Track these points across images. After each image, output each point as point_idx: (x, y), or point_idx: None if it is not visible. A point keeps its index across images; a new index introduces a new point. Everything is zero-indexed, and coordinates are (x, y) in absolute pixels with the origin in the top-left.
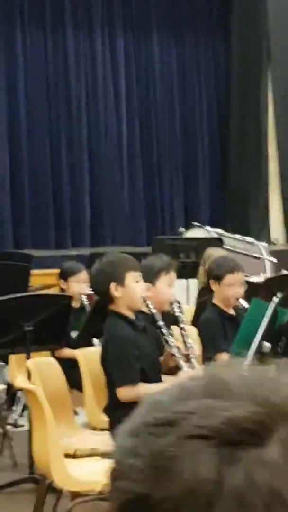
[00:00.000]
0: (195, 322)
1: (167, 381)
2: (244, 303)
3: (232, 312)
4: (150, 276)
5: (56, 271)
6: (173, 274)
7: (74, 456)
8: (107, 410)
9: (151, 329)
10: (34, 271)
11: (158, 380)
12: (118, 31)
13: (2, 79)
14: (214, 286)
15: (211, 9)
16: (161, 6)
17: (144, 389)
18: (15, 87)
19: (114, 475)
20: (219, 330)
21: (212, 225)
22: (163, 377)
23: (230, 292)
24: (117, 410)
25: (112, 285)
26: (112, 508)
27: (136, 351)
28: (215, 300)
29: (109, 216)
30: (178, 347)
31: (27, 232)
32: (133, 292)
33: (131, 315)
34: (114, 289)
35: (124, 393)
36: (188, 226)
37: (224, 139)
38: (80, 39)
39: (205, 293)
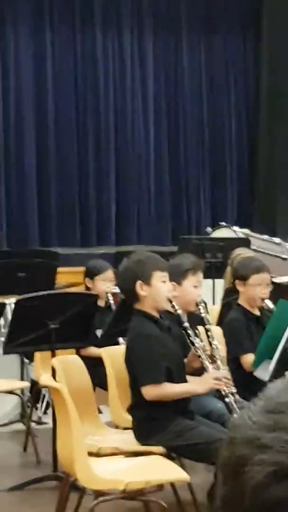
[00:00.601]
0: (220, 323)
1: (192, 382)
2: (270, 304)
3: (257, 313)
4: (177, 276)
5: (82, 269)
6: (200, 275)
7: (97, 454)
8: (130, 410)
9: (175, 329)
10: (59, 269)
11: (183, 380)
12: (147, 32)
13: (31, 80)
14: (240, 287)
15: (242, 10)
16: (191, 8)
17: (169, 388)
18: (43, 88)
19: (252, 450)
20: (244, 331)
21: (239, 226)
22: (188, 377)
23: (256, 293)
24: (141, 410)
25: (138, 284)
26: (256, 481)
27: (162, 349)
28: (240, 301)
29: (135, 215)
30: (203, 348)
31: (53, 230)
32: (158, 291)
33: (156, 315)
34: (140, 288)
35: (149, 391)
36: (214, 226)
37: (253, 140)
38: (108, 40)
39: (231, 293)
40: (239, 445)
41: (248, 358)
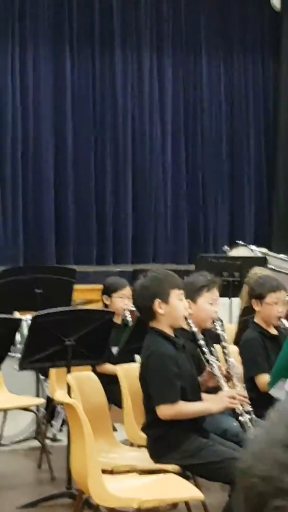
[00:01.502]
0: (237, 341)
1: (207, 401)
2: (286, 323)
3: (274, 331)
4: (191, 293)
5: (99, 286)
6: (215, 292)
7: (112, 472)
8: (145, 428)
9: (190, 347)
10: (76, 286)
11: (197, 398)
12: (166, 51)
13: (50, 97)
14: (256, 305)
15: (261, 28)
16: (211, 25)
17: (184, 408)
18: (62, 106)
19: (273, 491)
20: (260, 350)
21: (257, 245)
22: (203, 395)
23: (272, 312)
24: (155, 428)
25: (156, 302)
26: None
27: (177, 369)
28: (257, 320)
29: (151, 233)
30: (219, 366)
31: (70, 248)
32: (176, 310)
33: (171, 333)
34: (158, 306)
35: (164, 411)
36: (232, 245)
37: (271, 158)
38: (128, 59)
39: (248, 312)
40: (260, 481)
41: (264, 379)
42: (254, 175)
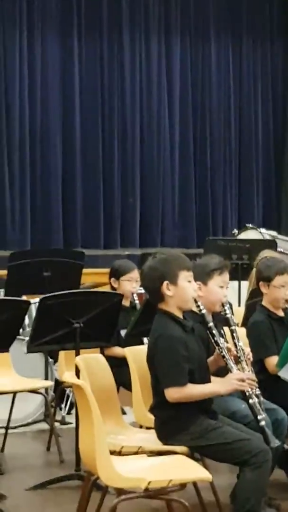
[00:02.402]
0: (244, 324)
1: (215, 383)
2: None
3: (281, 314)
4: (202, 276)
5: (107, 270)
6: (226, 275)
7: (120, 453)
8: (153, 410)
9: (199, 329)
10: (85, 270)
11: (206, 381)
12: (175, 35)
13: (58, 83)
14: (263, 288)
15: (271, 12)
16: (220, 10)
17: (192, 390)
18: (70, 91)
19: None
20: (268, 332)
21: (266, 228)
22: (212, 378)
23: (280, 294)
24: (163, 410)
25: (164, 284)
26: None
27: (185, 352)
28: (264, 302)
29: (159, 217)
30: (228, 349)
31: (77, 233)
32: (184, 291)
33: (179, 315)
34: (166, 288)
35: (172, 394)
36: (240, 228)
37: (280, 142)
38: (136, 43)
39: (255, 295)
40: None
41: (273, 361)
42: (262, 160)
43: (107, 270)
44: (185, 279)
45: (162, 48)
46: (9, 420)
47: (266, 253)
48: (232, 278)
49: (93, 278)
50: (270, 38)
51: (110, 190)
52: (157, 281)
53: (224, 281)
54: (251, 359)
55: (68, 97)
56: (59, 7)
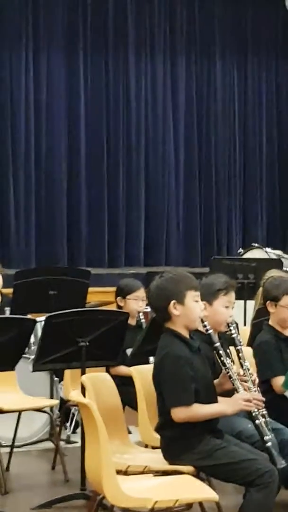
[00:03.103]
0: (250, 343)
1: (221, 403)
2: None
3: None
4: (208, 296)
5: (113, 289)
6: (232, 295)
7: (126, 472)
8: (159, 429)
9: (205, 349)
10: (90, 289)
11: (212, 401)
12: (180, 54)
13: (64, 100)
14: (270, 308)
15: (275, 31)
16: (225, 29)
17: (198, 410)
18: (76, 109)
19: None
20: (275, 352)
21: (272, 247)
22: (219, 398)
23: (287, 314)
24: (169, 429)
25: (172, 303)
26: None
27: (192, 371)
28: (271, 322)
29: (164, 236)
30: (234, 369)
31: (82, 251)
32: (192, 311)
33: (186, 335)
34: (173, 307)
35: (178, 414)
36: (246, 247)
37: (285, 161)
38: (141, 61)
39: (261, 314)
40: None
41: (279, 381)
42: (266, 178)
43: (112, 288)
44: (192, 298)
45: (167, 67)
46: (14, 439)
47: (273, 272)
48: (238, 297)
49: (98, 296)
50: (275, 57)
51: (115, 208)
52: (164, 300)
53: (230, 301)
54: (256, 379)
55: (73, 116)
56: (65, 27)
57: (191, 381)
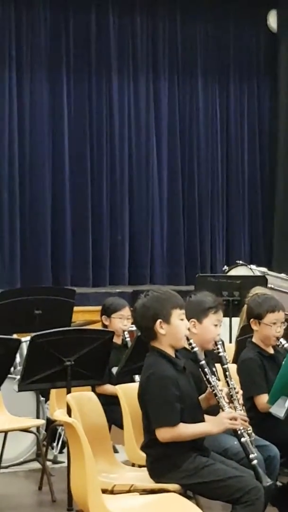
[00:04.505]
0: (235, 361)
1: (207, 422)
2: (284, 342)
3: (271, 351)
4: (197, 314)
5: (97, 308)
6: (220, 314)
7: (112, 491)
8: (145, 447)
9: (190, 366)
10: (76, 308)
11: (197, 420)
12: (163, 74)
13: (47, 122)
14: (254, 325)
15: (258, 50)
16: (207, 48)
17: (184, 430)
18: (59, 130)
19: None
20: (258, 370)
21: (255, 264)
22: (205, 417)
23: (271, 331)
24: (155, 448)
25: (158, 322)
26: None
27: (177, 391)
28: (255, 339)
29: (148, 255)
30: (220, 387)
31: (66, 271)
32: (177, 330)
33: (172, 353)
34: (159, 326)
35: (163, 434)
36: (229, 265)
37: (269, 179)
38: (124, 82)
39: (245, 331)
40: None
41: (263, 399)
42: (249, 197)
43: (98, 308)
44: (178, 317)
45: (150, 89)
46: (0, 460)
47: (258, 289)
48: (223, 314)
49: (84, 316)
50: (256, 77)
51: (99, 228)
52: (150, 319)
53: (219, 320)
54: (241, 398)
55: (57, 137)
56: (48, 48)
57: (176, 401)
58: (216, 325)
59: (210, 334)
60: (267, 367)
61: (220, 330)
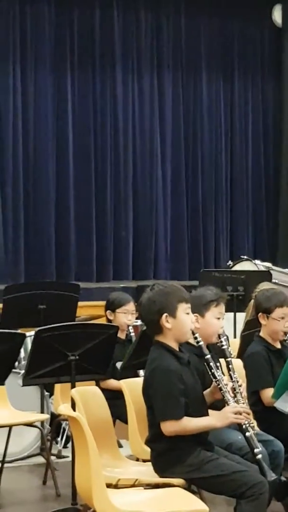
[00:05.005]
0: (240, 355)
1: (211, 416)
2: None
3: (278, 345)
4: (199, 308)
5: (102, 303)
6: (222, 306)
7: (116, 486)
8: (149, 442)
9: (194, 362)
10: (80, 303)
11: (201, 414)
12: (167, 71)
13: (51, 118)
14: (262, 319)
15: (262, 46)
16: (211, 45)
17: (188, 424)
18: (63, 126)
19: None
20: (265, 365)
21: (260, 259)
22: (209, 411)
23: (279, 326)
24: (159, 442)
25: (164, 316)
26: None
27: (181, 385)
28: (262, 334)
29: (151, 250)
30: (225, 381)
31: (70, 266)
32: (183, 324)
33: (176, 347)
34: (165, 320)
35: (168, 427)
36: (233, 260)
37: (273, 175)
38: (128, 79)
39: (251, 325)
40: None
41: (268, 393)
42: (253, 192)
43: (102, 302)
44: (184, 311)
45: (154, 84)
46: (5, 454)
47: (265, 285)
48: (227, 309)
49: (88, 311)
50: (261, 74)
51: (103, 223)
52: (156, 313)
53: (221, 312)
54: (244, 392)
55: (61, 133)
56: (52, 44)
57: (181, 395)
58: (218, 318)
59: (213, 327)
60: (274, 362)
61: (223, 322)
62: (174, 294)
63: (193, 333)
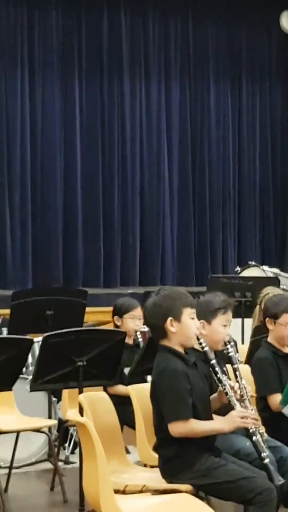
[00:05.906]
0: (248, 361)
1: (218, 420)
2: None
3: (286, 351)
4: (206, 314)
5: (109, 308)
6: (230, 314)
7: (124, 492)
8: (157, 448)
9: (201, 366)
10: (87, 309)
11: (208, 417)
12: (174, 77)
13: (59, 124)
14: (269, 325)
15: (270, 58)
16: (219, 51)
17: (196, 426)
18: (71, 132)
19: None
20: (273, 370)
21: (268, 265)
22: (214, 416)
23: (286, 331)
24: (167, 448)
25: (168, 320)
26: None
27: (188, 385)
28: (270, 339)
29: (158, 256)
30: (231, 387)
31: (78, 271)
32: (188, 328)
33: (181, 351)
34: (170, 324)
35: (176, 428)
36: (242, 266)
37: (281, 181)
38: (136, 85)
39: (259, 331)
40: None
41: (276, 399)
42: (260, 198)
43: (109, 308)
44: (189, 316)
45: (162, 90)
46: (12, 460)
47: (269, 290)
48: (235, 315)
49: (96, 316)
50: (269, 81)
51: (110, 229)
52: (161, 317)
53: (228, 320)
54: (249, 397)
55: (69, 139)
56: (60, 51)
57: (188, 395)
58: (225, 326)
59: (220, 335)
60: (282, 367)
61: (229, 330)
62: (179, 298)
63: (198, 339)
